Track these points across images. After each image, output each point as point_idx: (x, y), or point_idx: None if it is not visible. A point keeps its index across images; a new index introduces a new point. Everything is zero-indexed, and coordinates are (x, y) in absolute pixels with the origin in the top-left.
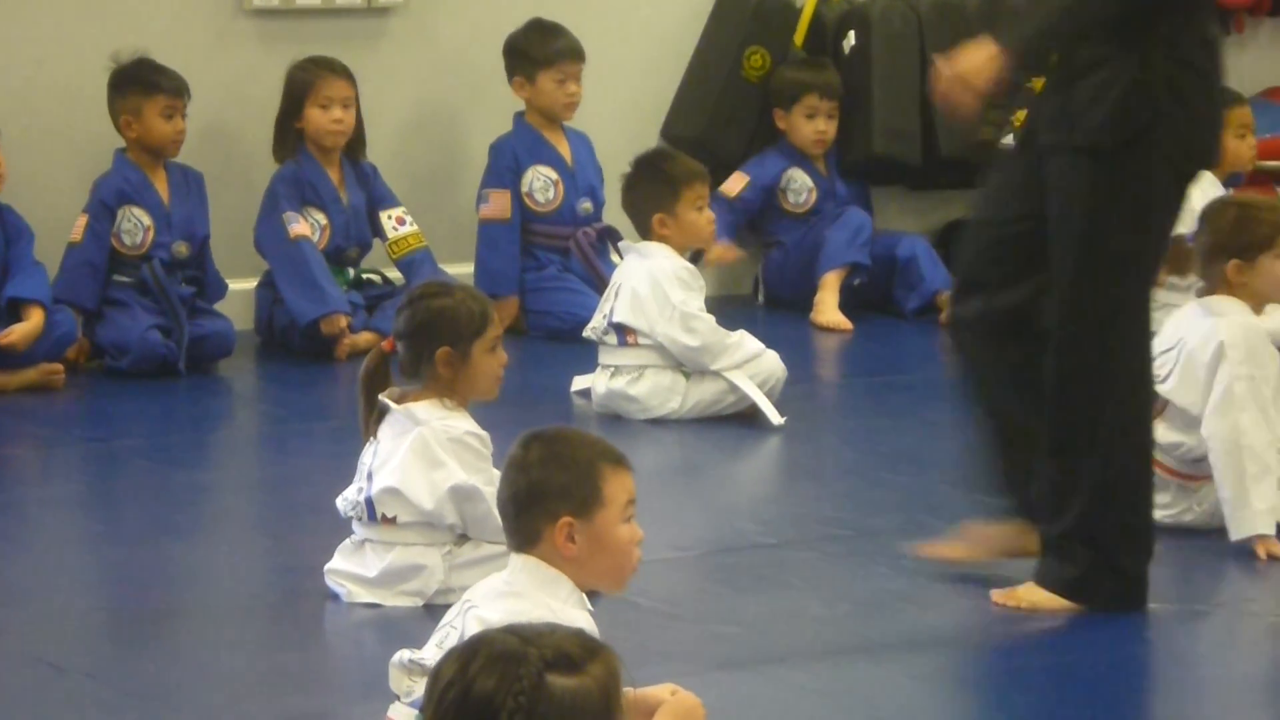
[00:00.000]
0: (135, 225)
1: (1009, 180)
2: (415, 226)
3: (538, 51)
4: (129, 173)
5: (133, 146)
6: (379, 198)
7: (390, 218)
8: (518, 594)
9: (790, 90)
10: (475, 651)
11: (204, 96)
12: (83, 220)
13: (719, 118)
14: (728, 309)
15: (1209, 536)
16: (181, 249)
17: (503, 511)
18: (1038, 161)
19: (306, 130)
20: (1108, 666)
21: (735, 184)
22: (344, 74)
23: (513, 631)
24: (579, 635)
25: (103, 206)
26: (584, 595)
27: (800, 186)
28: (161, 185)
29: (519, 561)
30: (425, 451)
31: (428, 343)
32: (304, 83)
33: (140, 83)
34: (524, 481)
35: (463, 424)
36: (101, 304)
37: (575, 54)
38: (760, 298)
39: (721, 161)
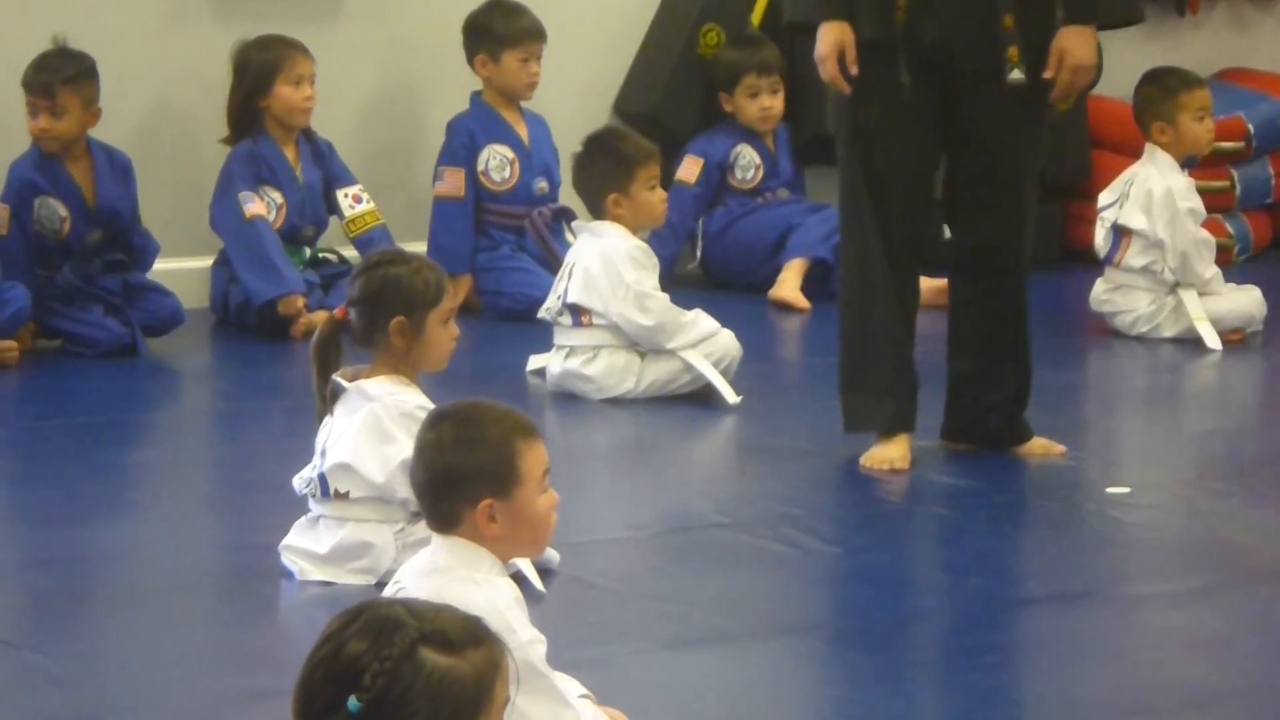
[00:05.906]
0: (52, 214)
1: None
2: (372, 204)
3: (502, 29)
4: (43, 160)
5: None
6: (335, 175)
7: (347, 195)
8: (439, 570)
9: (729, 72)
10: (360, 614)
11: (159, 74)
12: (4, 211)
13: (672, 94)
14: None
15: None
16: (95, 236)
17: (419, 494)
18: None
19: (273, 108)
20: (1066, 644)
21: (692, 168)
22: (307, 51)
23: (404, 603)
24: (470, 622)
25: (23, 192)
26: (504, 566)
27: (748, 163)
28: (79, 170)
29: (440, 540)
30: (377, 427)
31: (382, 311)
32: (271, 61)
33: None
34: (439, 465)
35: (414, 399)
36: (50, 299)
37: (539, 33)
38: (697, 260)
39: (675, 138)
